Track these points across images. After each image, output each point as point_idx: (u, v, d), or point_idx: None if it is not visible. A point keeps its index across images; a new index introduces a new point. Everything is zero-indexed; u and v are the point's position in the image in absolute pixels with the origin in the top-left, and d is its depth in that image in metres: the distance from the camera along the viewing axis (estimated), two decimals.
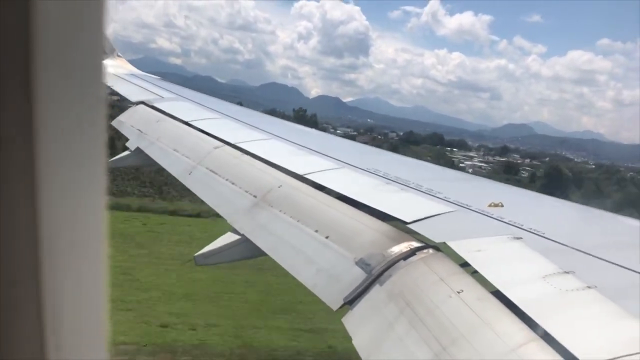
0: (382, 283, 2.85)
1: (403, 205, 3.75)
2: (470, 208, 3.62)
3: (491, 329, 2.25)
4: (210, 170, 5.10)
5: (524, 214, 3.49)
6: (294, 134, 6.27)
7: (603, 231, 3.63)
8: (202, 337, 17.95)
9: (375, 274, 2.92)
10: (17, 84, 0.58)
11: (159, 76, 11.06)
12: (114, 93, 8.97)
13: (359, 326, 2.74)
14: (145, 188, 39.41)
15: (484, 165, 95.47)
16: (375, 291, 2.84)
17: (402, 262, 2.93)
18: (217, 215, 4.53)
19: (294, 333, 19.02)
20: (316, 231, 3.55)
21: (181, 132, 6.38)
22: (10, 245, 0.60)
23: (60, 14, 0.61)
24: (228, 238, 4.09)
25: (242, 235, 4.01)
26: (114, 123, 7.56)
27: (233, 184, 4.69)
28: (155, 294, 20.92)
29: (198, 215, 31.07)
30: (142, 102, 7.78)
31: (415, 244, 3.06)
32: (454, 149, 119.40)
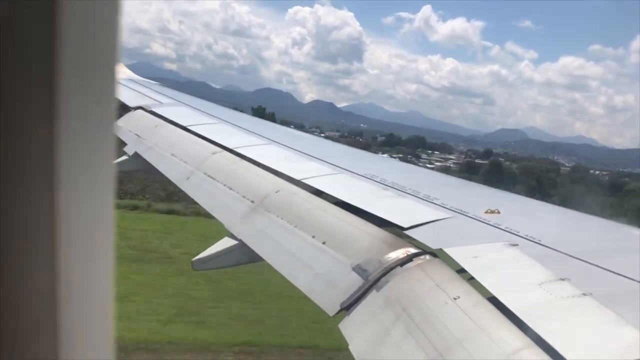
0: (379, 289, 2.86)
1: (400, 211, 3.76)
2: (467, 214, 3.63)
3: (487, 336, 2.26)
4: (208, 176, 5.10)
5: (520, 221, 3.50)
6: (292, 139, 6.28)
7: (599, 238, 3.65)
8: None
9: (372, 280, 2.93)
10: (41, 83, 0.59)
11: (149, 80, 11.04)
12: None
13: (356, 332, 2.74)
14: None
15: (452, 165, 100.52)
16: (372, 297, 2.84)
17: (399, 268, 2.94)
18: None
19: None
20: (313, 237, 3.55)
21: (179, 137, 6.39)
22: (25, 243, 0.61)
23: (82, 14, 0.62)
24: (225, 243, 4.09)
25: (240, 240, 4.01)
26: None
27: (231, 189, 4.69)
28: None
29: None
30: (140, 107, 7.78)
31: (412, 250, 3.07)
32: (436, 152, 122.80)
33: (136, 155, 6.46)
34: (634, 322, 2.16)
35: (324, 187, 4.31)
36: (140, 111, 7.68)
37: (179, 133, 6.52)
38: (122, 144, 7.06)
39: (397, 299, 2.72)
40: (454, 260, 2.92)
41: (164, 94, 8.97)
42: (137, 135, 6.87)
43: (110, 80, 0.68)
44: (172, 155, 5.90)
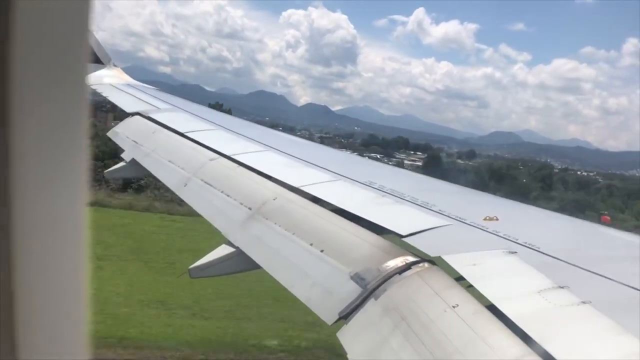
0: (377, 297, 2.84)
1: (398, 218, 3.75)
2: (466, 222, 3.62)
3: (486, 344, 2.25)
4: (206, 182, 5.09)
5: (519, 228, 3.50)
6: (290, 146, 6.28)
7: (598, 245, 3.64)
8: None
9: (371, 288, 2.91)
10: None
11: (147, 85, 11.03)
12: (109, 103, 8.97)
13: (354, 341, 2.72)
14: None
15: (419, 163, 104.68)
16: (371, 305, 2.83)
17: (397, 276, 2.93)
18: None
19: None
20: (311, 244, 3.54)
21: (177, 144, 6.38)
22: None
23: (41, 13, 0.61)
24: (222, 250, 4.08)
25: (237, 247, 3.99)
26: (110, 134, 7.55)
27: (228, 196, 4.68)
28: None
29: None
30: (138, 113, 7.78)
31: (410, 258, 3.06)
32: (418, 152, 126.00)
33: (133, 162, 6.45)
34: (634, 330, 2.15)
35: (322, 194, 4.30)
36: (137, 117, 7.67)
37: (176, 139, 6.51)
38: (119, 150, 7.05)
39: (396, 307, 2.71)
40: (452, 268, 2.91)
41: (161, 99, 8.97)
42: (135, 141, 6.86)
43: (78, 78, 0.67)
44: (170, 161, 5.88)
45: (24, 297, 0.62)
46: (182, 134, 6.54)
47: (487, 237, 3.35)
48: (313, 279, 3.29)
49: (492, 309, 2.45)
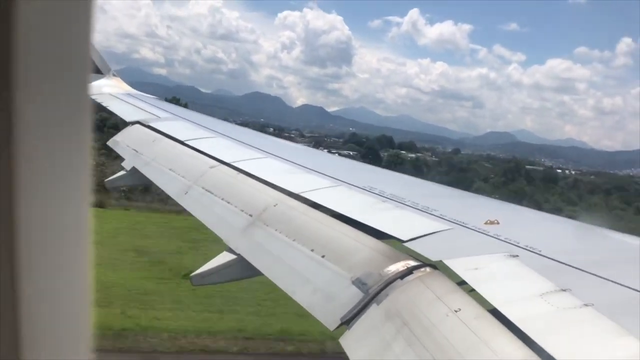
0: (379, 302, 2.84)
1: (399, 223, 3.75)
2: (467, 226, 3.62)
3: (489, 348, 2.24)
4: (206, 190, 5.10)
5: (520, 232, 3.49)
6: (290, 152, 6.29)
7: (599, 248, 3.64)
8: None
9: (372, 293, 2.91)
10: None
11: (142, 86, 11.07)
12: (109, 112, 8.99)
13: (357, 346, 2.71)
14: None
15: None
16: (373, 310, 2.82)
17: (399, 281, 2.92)
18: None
19: None
20: (312, 250, 3.54)
21: (177, 152, 6.39)
22: None
23: (44, 16, 0.61)
24: (224, 258, 4.07)
25: (238, 254, 3.99)
26: (110, 143, 7.57)
27: (229, 203, 4.68)
28: None
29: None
30: (138, 122, 7.80)
31: (411, 263, 3.05)
32: (402, 151, 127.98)
33: (134, 170, 6.46)
34: (636, 332, 2.14)
35: (323, 200, 4.30)
36: (137, 126, 7.69)
37: (176, 147, 6.52)
38: (120, 159, 7.06)
39: (398, 312, 2.70)
40: (454, 272, 2.90)
41: (161, 108, 9.00)
42: (135, 150, 6.88)
43: (81, 82, 0.67)
44: (170, 169, 5.89)
45: (27, 298, 0.62)
46: (182, 142, 6.56)
47: (488, 240, 3.35)
48: (314, 284, 3.28)
49: (495, 312, 2.45)
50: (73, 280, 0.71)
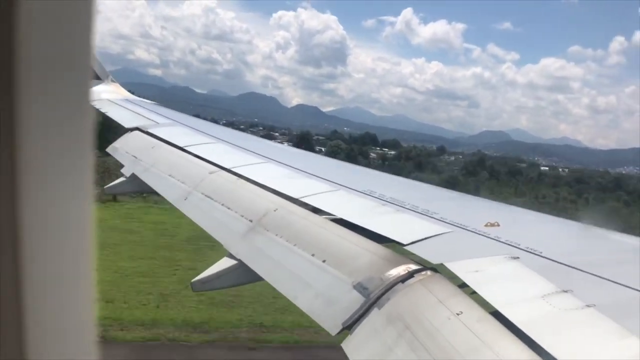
0: (381, 306, 2.83)
1: (399, 227, 3.75)
2: (467, 228, 3.62)
3: (492, 350, 2.24)
4: (206, 196, 5.09)
5: (520, 233, 3.49)
6: (289, 157, 6.29)
7: (600, 248, 3.64)
8: None
9: (374, 298, 2.90)
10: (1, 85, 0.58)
11: (138, 88, 11.10)
12: (108, 119, 8.99)
13: (359, 351, 2.71)
14: None
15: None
16: (374, 315, 2.82)
17: (400, 285, 2.92)
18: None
19: None
20: (313, 255, 3.54)
21: (176, 158, 6.39)
22: None
23: (46, 17, 0.61)
24: (224, 263, 4.06)
25: (239, 260, 3.98)
26: (109, 149, 7.57)
27: (229, 208, 4.68)
28: None
29: None
30: (137, 128, 7.80)
31: (412, 266, 3.05)
32: (384, 149, 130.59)
33: (133, 177, 6.46)
34: (639, 333, 2.14)
35: (323, 204, 4.30)
36: (137, 132, 7.70)
37: (175, 153, 6.52)
38: (119, 165, 7.06)
39: (400, 316, 2.70)
40: (455, 275, 2.90)
41: (160, 114, 9.00)
42: (134, 156, 6.88)
43: (83, 81, 0.67)
44: (170, 175, 5.89)
45: (31, 297, 0.62)
46: (181, 148, 6.56)
47: (488, 243, 3.35)
48: (315, 289, 3.28)
49: (497, 315, 2.45)
50: (76, 280, 0.71)
